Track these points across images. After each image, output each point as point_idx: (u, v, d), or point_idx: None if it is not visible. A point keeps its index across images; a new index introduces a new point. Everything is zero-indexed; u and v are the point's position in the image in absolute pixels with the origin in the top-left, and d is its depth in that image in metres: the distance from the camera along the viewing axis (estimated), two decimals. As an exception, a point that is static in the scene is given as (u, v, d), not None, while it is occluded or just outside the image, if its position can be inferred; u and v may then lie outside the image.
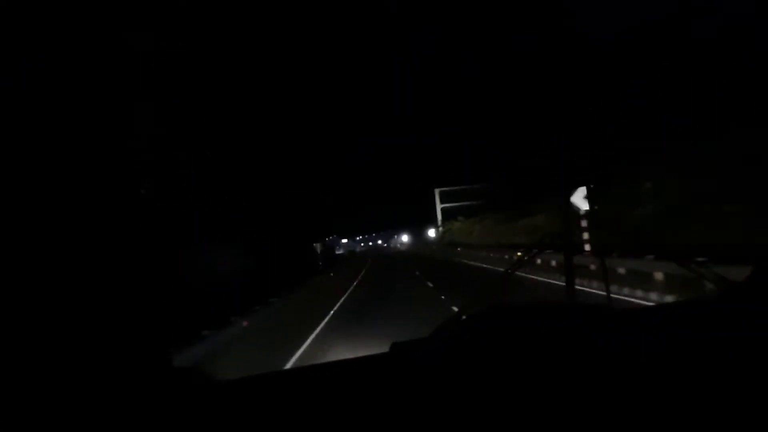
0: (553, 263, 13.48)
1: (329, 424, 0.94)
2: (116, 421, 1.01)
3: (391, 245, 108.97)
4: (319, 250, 35.27)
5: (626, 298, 9.29)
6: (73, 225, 1.18)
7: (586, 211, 8.48)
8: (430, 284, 16.76)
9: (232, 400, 1.12)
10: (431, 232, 59.18)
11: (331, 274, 29.26)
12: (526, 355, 1.16)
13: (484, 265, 22.63)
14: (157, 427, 0.99)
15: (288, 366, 7.15)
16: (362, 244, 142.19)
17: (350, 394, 1.07)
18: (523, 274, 13.80)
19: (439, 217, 57.57)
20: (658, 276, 9.24)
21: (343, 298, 15.69)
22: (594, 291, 8.40)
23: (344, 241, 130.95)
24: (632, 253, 10.11)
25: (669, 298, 8.51)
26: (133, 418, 1.02)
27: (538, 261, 14.31)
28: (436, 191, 57.85)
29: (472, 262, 26.20)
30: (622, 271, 10.36)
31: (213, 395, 1.19)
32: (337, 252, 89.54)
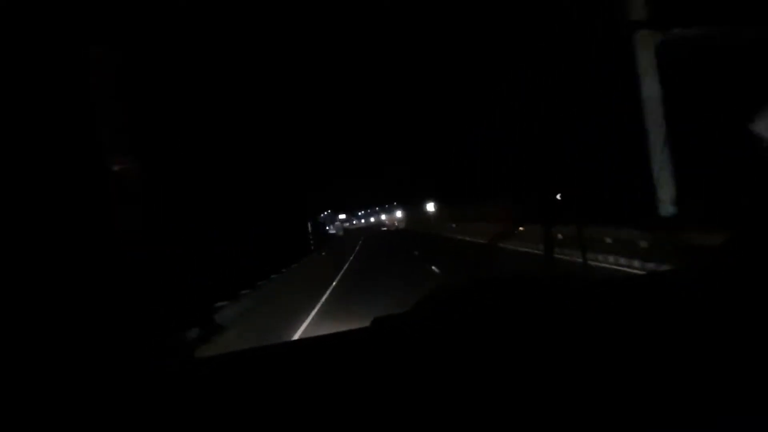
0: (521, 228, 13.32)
1: (311, 399, 0.91)
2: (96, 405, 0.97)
3: (387, 222, 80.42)
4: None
5: (602, 265, 9.48)
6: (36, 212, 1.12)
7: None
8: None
9: (215, 378, 1.09)
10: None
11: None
12: (502, 328, 1.15)
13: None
14: (141, 408, 0.96)
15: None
16: (362, 221, 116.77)
17: (331, 370, 1.05)
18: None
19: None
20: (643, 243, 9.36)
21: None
22: (565, 257, 8.48)
23: (342, 216, 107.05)
24: (607, 222, 10.22)
25: (642, 264, 8.74)
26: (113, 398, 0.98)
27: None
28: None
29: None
30: (608, 240, 10.48)
31: (196, 372, 1.16)
32: (330, 232, 69.78)
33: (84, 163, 1.17)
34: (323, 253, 26.29)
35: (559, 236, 9.86)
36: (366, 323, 1.31)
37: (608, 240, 10.36)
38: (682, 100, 8.14)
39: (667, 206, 8.61)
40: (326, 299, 10.68)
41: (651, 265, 8.24)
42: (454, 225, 28.90)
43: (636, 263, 8.98)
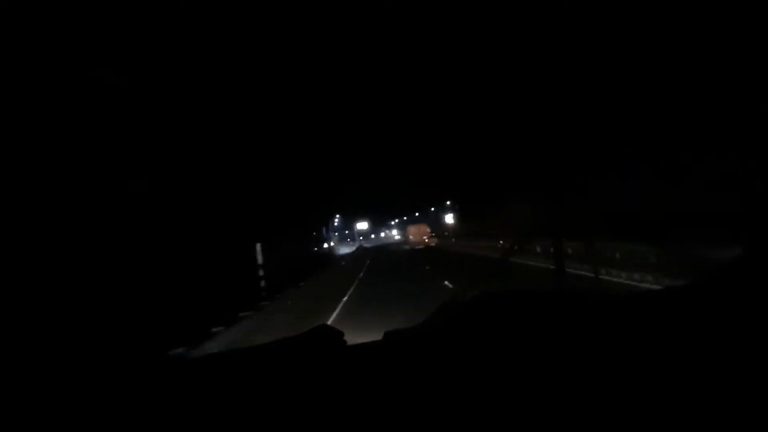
0: (538, 249, 13.29)
1: (321, 412, 0.88)
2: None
3: (412, 238, 44.50)
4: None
5: (612, 279, 9.26)
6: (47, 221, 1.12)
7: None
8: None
9: (218, 378, 1.07)
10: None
11: None
12: (515, 344, 1.11)
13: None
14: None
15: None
16: (393, 232, 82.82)
17: (342, 384, 1.02)
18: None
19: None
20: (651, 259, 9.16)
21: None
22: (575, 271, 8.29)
23: (362, 226, 72.25)
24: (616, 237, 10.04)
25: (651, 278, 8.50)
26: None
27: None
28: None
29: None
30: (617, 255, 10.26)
31: (198, 370, 1.14)
32: (341, 252, 45.20)
33: (88, 181, 1.18)
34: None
35: (569, 251, 9.71)
36: (378, 337, 1.28)
37: (617, 255, 10.18)
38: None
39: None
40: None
41: (664, 281, 8.05)
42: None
43: (648, 278, 8.78)
